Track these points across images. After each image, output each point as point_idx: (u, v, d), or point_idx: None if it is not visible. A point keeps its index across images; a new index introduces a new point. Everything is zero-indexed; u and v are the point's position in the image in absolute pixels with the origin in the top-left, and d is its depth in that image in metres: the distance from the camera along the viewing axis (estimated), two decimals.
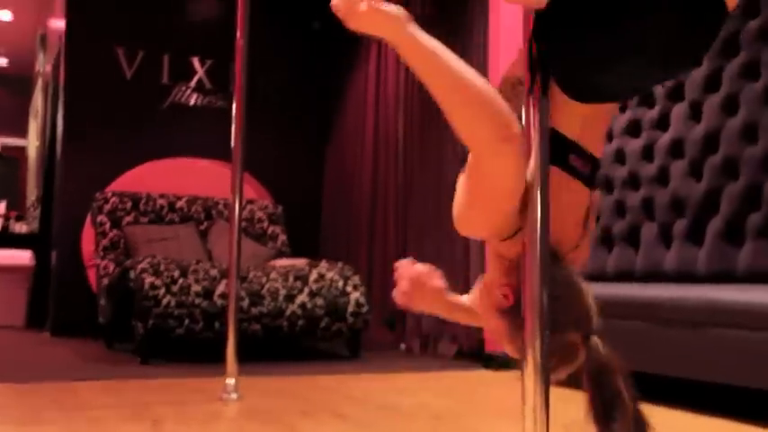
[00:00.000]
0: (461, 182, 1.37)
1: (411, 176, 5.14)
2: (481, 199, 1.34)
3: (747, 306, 2.43)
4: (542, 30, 1.30)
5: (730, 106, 3.11)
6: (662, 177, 3.31)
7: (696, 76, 3.23)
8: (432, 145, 4.88)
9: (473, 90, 1.23)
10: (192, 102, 6.14)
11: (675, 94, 3.35)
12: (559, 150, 1.36)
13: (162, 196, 5.52)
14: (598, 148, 1.42)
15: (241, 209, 3.22)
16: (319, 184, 6.55)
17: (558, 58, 1.29)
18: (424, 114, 5.03)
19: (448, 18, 4.77)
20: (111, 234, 5.21)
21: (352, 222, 5.96)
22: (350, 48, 6.25)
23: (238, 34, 3.18)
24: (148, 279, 4.03)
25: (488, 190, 1.32)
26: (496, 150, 1.25)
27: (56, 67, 6.68)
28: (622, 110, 3.60)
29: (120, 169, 5.74)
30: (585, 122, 1.36)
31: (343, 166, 6.25)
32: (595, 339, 1.33)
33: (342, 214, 6.17)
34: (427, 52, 1.26)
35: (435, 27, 4.81)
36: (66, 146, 5.76)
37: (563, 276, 1.38)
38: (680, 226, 3.20)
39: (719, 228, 3.04)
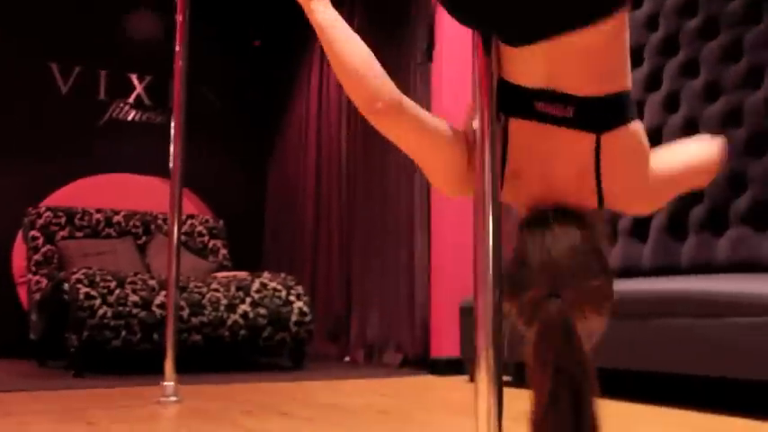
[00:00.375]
0: None
1: (354, 187, 5.10)
2: (419, 162, 1.42)
3: (688, 294, 2.45)
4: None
5: (672, 104, 3.16)
6: None
7: (638, 75, 3.28)
8: (375, 155, 4.86)
9: (348, 65, 1.34)
10: (130, 118, 6.03)
11: None
12: (519, 101, 1.32)
13: (98, 211, 5.37)
14: (588, 85, 1.30)
15: (180, 217, 3.14)
16: (261, 198, 6.48)
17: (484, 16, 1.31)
18: (366, 126, 5.00)
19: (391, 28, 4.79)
20: (44, 249, 5.03)
21: (295, 235, 5.89)
22: (291, 63, 6.23)
23: (177, 49, 3.12)
24: (83, 289, 3.89)
25: (409, 154, 1.41)
26: (374, 122, 1.35)
27: None
28: None
29: (55, 185, 5.57)
30: (555, 64, 1.28)
31: (286, 179, 6.19)
32: (558, 303, 1.18)
33: (285, 227, 6.09)
34: (321, 26, 1.38)
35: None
36: None
37: (555, 237, 1.26)
38: (625, 223, 3.22)
39: (663, 223, 3.07)
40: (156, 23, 6.12)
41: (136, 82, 6.09)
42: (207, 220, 5.68)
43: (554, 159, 1.33)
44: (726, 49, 3.00)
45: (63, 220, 5.19)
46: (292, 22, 6.28)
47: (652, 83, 3.30)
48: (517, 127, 1.34)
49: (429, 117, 1.38)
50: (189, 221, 5.52)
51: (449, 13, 1.33)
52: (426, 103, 4.21)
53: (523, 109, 1.33)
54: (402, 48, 4.61)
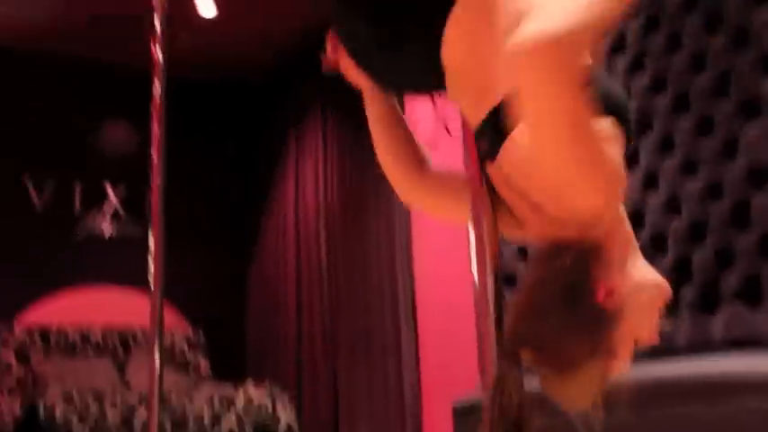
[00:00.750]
0: None
1: (337, 291, 5.00)
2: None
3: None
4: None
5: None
6: None
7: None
8: (356, 257, 4.80)
9: (380, 158, 1.53)
10: (105, 229, 5.87)
11: None
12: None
13: (75, 329, 5.14)
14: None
15: (162, 331, 2.95)
16: (242, 304, 6.29)
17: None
18: (346, 229, 4.95)
19: None
20: (17, 372, 4.77)
21: (279, 340, 5.72)
22: (268, 168, 6.17)
23: (154, 157, 3.03)
24: (60, 409, 3.63)
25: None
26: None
27: None
28: None
29: (28, 302, 5.35)
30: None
31: (266, 283, 6.04)
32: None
33: (268, 332, 5.91)
34: (369, 119, 1.50)
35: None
36: None
37: None
38: None
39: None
40: (129, 133, 6.05)
41: (110, 192, 5.96)
42: (187, 335, 5.50)
43: None
44: (699, 123, 2.98)
45: (38, 341, 4.97)
46: (269, 127, 6.28)
47: (631, 161, 3.24)
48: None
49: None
50: (169, 338, 5.33)
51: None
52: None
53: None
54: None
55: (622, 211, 1.19)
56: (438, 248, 4.14)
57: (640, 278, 1.16)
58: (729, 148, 2.85)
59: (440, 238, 4.10)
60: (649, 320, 1.15)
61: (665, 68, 3.15)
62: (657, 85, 3.17)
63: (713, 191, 2.88)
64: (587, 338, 1.11)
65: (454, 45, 1.21)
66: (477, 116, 1.20)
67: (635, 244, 1.20)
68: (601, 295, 1.11)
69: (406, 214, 4.39)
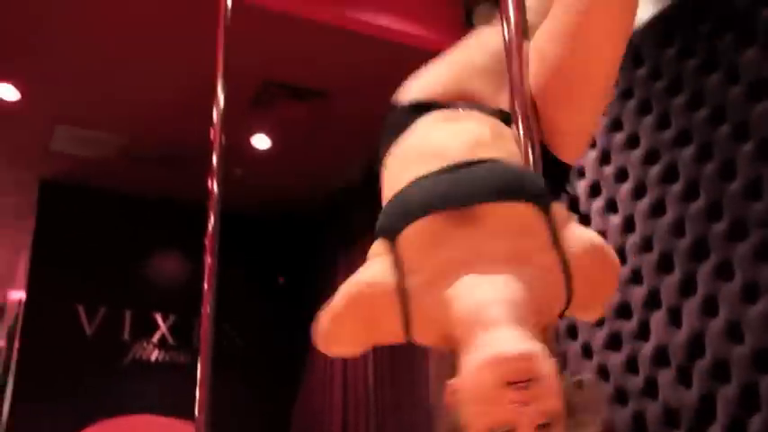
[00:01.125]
0: None
1: (384, 418, 4.91)
2: None
3: None
4: None
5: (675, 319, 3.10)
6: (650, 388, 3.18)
7: (671, 281, 3.22)
8: (404, 392, 4.74)
9: None
10: (153, 357, 5.96)
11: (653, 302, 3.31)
12: None
13: None
14: None
15: None
16: None
17: None
18: (394, 359, 4.93)
19: None
20: None
21: None
22: (316, 299, 6.22)
23: (206, 293, 3.11)
24: None
25: None
26: None
27: (10, 337, 6.51)
28: (600, 324, 3.53)
29: (74, 428, 5.37)
30: None
31: (312, 415, 5.96)
32: None
33: None
34: None
35: None
36: (14, 405, 5.42)
37: None
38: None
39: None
40: (181, 262, 6.24)
41: (160, 321, 6.09)
42: None
43: None
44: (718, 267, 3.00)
45: None
46: (317, 259, 6.40)
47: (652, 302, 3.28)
48: None
49: None
50: None
51: None
52: None
53: None
54: None
55: None
56: None
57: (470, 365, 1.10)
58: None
59: None
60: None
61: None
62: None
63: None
64: None
65: None
66: None
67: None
68: (447, 396, 1.12)
69: None
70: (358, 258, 5.44)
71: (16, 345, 5.79)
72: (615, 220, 3.51)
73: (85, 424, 5.44)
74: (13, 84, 4.71)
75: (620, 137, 3.57)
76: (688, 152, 3.22)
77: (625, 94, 3.56)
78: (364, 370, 5.29)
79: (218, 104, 2.54)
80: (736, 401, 2.81)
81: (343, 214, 6.05)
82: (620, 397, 3.35)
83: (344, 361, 5.59)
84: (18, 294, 6.57)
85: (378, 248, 1.28)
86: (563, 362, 3.62)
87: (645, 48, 3.50)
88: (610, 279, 1.27)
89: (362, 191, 5.79)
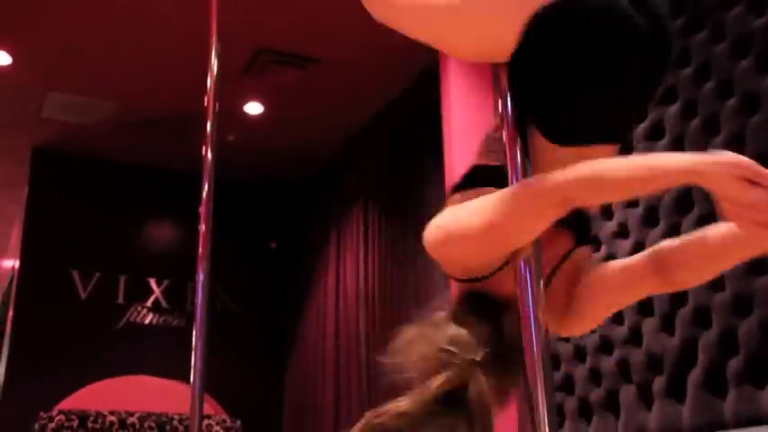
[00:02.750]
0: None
1: (376, 384, 5.01)
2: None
3: None
4: (515, 76, 1.30)
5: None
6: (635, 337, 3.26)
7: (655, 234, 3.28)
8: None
9: None
10: (147, 321, 6.04)
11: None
12: None
13: (112, 413, 5.23)
14: None
15: (201, 423, 3.05)
16: (279, 397, 6.33)
17: (535, 99, 1.29)
18: (386, 321, 5.02)
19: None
20: None
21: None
22: (308, 262, 6.33)
23: (200, 259, 3.16)
24: None
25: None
26: None
27: (5, 303, 6.58)
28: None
29: (69, 389, 5.46)
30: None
31: (304, 378, 6.08)
32: None
33: (305, 426, 5.90)
34: None
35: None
36: (9, 370, 5.52)
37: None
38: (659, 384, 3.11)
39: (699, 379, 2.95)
40: (174, 228, 6.31)
41: (154, 286, 6.16)
42: (224, 420, 5.52)
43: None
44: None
45: (75, 423, 5.04)
46: (308, 222, 6.48)
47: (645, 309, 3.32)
48: None
49: None
50: (205, 421, 5.35)
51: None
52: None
53: None
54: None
55: None
56: None
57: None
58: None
59: None
60: None
61: None
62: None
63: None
64: None
65: None
66: None
67: None
68: None
69: (447, 301, 4.43)
70: (349, 220, 5.59)
71: (10, 312, 5.86)
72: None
73: (81, 385, 5.53)
74: (4, 49, 4.73)
75: None
76: (694, 124, 3.25)
77: None
78: (356, 332, 5.37)
79: (211, 71, 2.56)
80: (716, 346, 2.89)
81: (334, 180, 6.11)
82: (606, 347, 3.42)
83: (336, 323, 5.68)
84: (11, 262, 6.63)
85: None
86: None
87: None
88: None
89: (354, 157, 5.86)
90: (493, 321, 1.29)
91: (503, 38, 1.26)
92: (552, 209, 1.17)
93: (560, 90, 1.25)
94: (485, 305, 1.32)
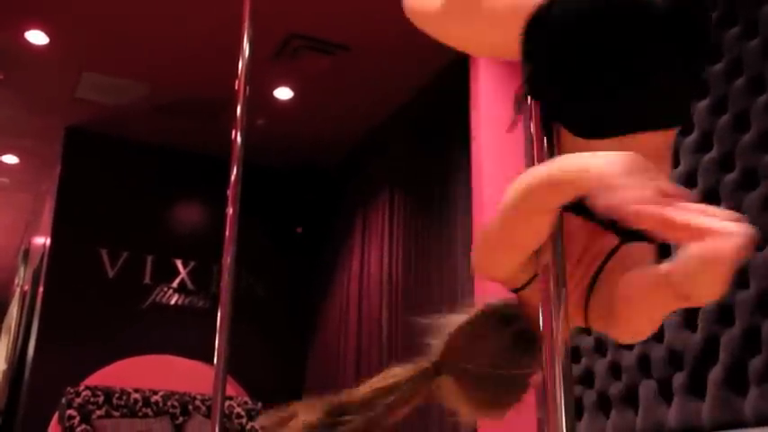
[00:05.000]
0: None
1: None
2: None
3: None
4: (529, 70, 1.30)
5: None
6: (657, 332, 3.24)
7: None
8: (417, 336, 4.83)
9: None
10: (172, 301, 6.12)
11: None
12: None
13: (137, 391, 5.32)
14: None
15: (223, 406, 3.10)
16: (300, 380, 6.38)
17: (559, 92, 1.28)
18: (409, 305, 5.04)
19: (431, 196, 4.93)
20: (79, 429, 4.94)
21: None
22: (333, 247, 6.36)
23: (227, 243, 3.18)
24: None
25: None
26: None
27: (35, 279, 6.69)
28: None
29: (95, 366, 5.56)
30: None
31: (325, 361, 6.12)
32: None
33: None
34: None
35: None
36: (39, 345, 5.63)
37: None
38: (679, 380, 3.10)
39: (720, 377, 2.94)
40: (201, 211, 6.39)
41: (180, 267, 6.24)
42: (245, 402, 5.60)
43: (569, 257, 1.28)
44: None
45: (101, 399, 5.14)
46: (334, 208, 6.51)
47: None
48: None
49: None
50: (227, 403, 5.42)
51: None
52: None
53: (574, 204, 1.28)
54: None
55: None
56: None
57: None
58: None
59: None
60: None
61: None
62: None
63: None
64: (517, 364, 1.26)
65: None
66: None
67: None
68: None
69: (470, 291, 4.45)
70: (375, 205, 5.59)
71: (41, 288, 5.97)
72: None
73: (107, 362, 5.63)
74: (41, 29, 4.80)
75: None
76: (724, 120, 3.23)
77: None
78: (378, 317, 5.40)
79: (243, 55, 2.58)
80: (739, 344, 2.88)
81: (361, 167, 6.14)
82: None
83: (359, 308, 5.71)
84: (42, 239, 6.74)
85: None
86: None
87: None
88: None
89: (381, 145, 5.88)
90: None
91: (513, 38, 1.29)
92: (545, 199, 1.14)
93: (574, 81, 1.24)
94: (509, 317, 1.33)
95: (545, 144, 1.30)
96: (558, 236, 1.23)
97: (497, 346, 1.30)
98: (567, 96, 1.26)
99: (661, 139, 1.28)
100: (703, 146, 3.23)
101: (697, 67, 1.35)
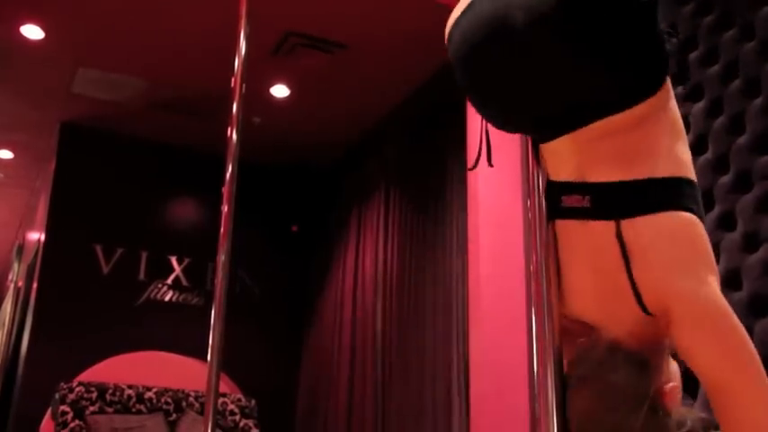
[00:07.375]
0: None
1: (390, 367, 5.04)
2: None
3: None
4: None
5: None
6: None
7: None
8: (411, 334, 4.84)
9: None
10: (167, 298, 6.11)
11: None
12: (550, 199, 1.27)
13: (130, 387, 5.32)
14: (614, 170, 1.20)
15: (216, 403, 3.09)
16: (294, 377, 6.40)
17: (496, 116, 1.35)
18: (403, 303, 5.04)
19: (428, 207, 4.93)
20: (72, 425, 4.93)
21: (328, 414, 5.74)
22: (328, 245, 6.36)
23: (221, 240, 3.18)
24: None
25: None
26: None
27: (29, 275, 6.67)
28: None
29: (89, 362, 5.56)
30: (582, 152, 1.23)
31: (319, 358, 6.13)
32: None
33: (318, 407, 5.95)
34: None
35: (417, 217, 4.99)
36: (32, 341, 5.62)
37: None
38: None
39: None
40: (196, 208, 6.38)
41: (175, 264, 6.23)
42: (239, 399, 5.59)
43: (571, 259, 1.24)
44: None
45: (94, 395, 5.13)
46: (330, 206, 6.51)
47: None
48: (558, 229, 1.27)
49: None
50: (221, 400, 5.42)
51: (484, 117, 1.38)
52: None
53: (552, 207, 1.26)
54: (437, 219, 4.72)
55: None
56: (495, 324, 4.18)
57: (673, 372, 1.25)
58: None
59: (497, 312, 4.14)
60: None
61: None
62: None
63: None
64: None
65: None
66: (614, 174, 1.22)
67: None
68: (667, 397, 1.17)
69: (463, 289, 4.45)
70: (371, 202, 5.61)
71: (35, 284, 5.95)
72: None
73: (101, 358, 5.62)
74: (37, 23, 4.78)
75: None
76: (719, 122, 3.24)
77: None
78: (372, 315, 5.40)
79: (239, 52, 2.57)
80: None
81: (357, 166, 6.13)
82: None
83: (353, 306, 5.71)
84: (37, 235, 6.72)
85: None
86: None
87: (660, 6, 3.51)
88: None
89: (378, 143, 5.88)
90: None
91: None
92: None
93: (501, 105, 1.34)
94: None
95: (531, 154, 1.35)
96: (549, 240, 1.25)
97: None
98: (502, 117, 1.34)
99: (626, 119, 1.20)
100: (699, 148, 3.24)
101: (600, 52, 1.20)
